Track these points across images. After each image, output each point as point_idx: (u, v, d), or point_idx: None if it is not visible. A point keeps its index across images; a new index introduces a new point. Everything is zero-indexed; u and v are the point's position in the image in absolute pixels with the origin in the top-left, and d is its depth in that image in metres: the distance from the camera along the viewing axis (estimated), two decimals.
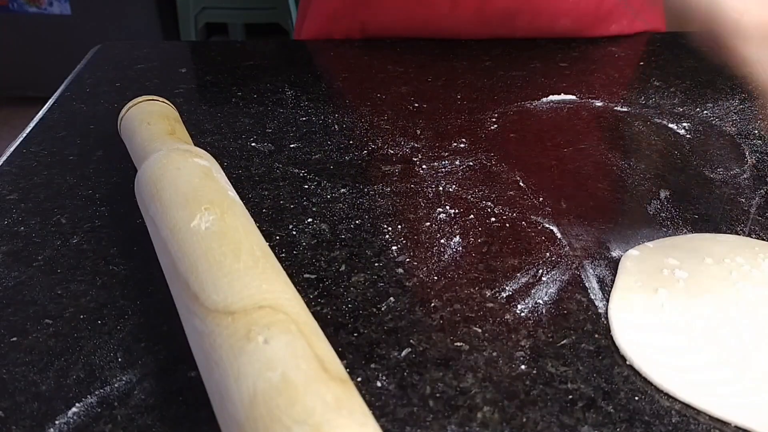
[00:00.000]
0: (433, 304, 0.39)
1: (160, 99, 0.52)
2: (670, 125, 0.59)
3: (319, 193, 0.49)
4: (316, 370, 0.27)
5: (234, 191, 0.40)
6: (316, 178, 0.51)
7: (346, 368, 0.35)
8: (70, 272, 0.42)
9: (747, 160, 0.53)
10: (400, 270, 0.42)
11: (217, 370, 0.28)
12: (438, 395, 0.33)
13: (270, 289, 0.31)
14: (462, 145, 0.56)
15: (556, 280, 0.41)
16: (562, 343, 0.36)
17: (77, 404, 0.33)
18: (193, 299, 0.32)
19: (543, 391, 0.34)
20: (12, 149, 0.56)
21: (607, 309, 0.39)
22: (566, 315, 0.38)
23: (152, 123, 0.49)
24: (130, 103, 0.51)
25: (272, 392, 0.26)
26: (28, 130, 0.59)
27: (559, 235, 0.45)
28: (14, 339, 0.37)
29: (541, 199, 0.49)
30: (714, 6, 0.45)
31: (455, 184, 0.50)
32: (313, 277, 0.41)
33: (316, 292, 0.40)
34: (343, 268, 0.42)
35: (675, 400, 0.33)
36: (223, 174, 0.41)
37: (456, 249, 0.44)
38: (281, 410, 0.25)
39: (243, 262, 0.32)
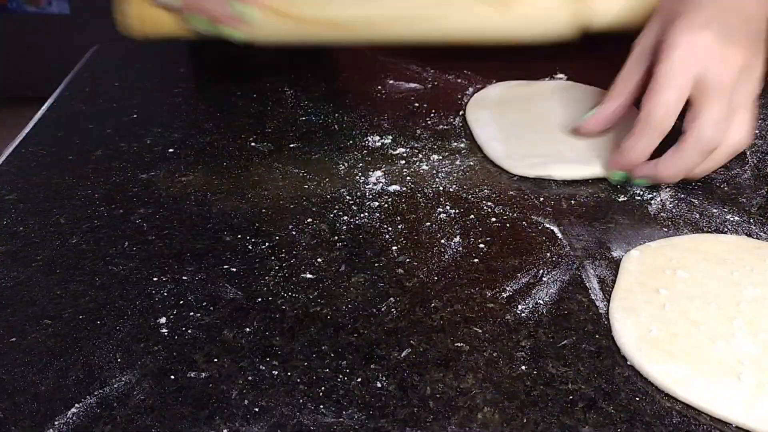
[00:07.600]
0: (433, 305, 0.39)
1: None
2: None
3: (319, 193, 0.49)
4: None
5: None
6: (316, 178, 0.51)
7: (345, 369, 0.35)
8: (69, 272, 0.41)
9: (748, 160, 0.53)
10: (400, 270, 0.42)
11: None
12: (438, 396, 0.33)
13: None
14: (462, 145, 0.56)
15: (556, 280, 0.41)
16: (563, 343, 0.36)
17: (76, 405, 0.33)
18: None
19: (543, 392, 0.34)
20: (11, 149, 0.55)
21: (608, 309, 0.39)
22: (567, 315, 0.38)
23: None
24: None
25: None
26: (26, 130, 0.58)
27: (559, 235, 0.45)
28: (13, 339, 0.37)
29: (541, 199, 0.49)
30: None
31: (455, 184, 0.50)
32: (312, 277, 0.41)
33: (315, 293, 0.40)
34: (342, 268, 0.42)
35: (676, 400, 0.33)
36: None
37: (456, 249, 0.44)
38: None
39: None
